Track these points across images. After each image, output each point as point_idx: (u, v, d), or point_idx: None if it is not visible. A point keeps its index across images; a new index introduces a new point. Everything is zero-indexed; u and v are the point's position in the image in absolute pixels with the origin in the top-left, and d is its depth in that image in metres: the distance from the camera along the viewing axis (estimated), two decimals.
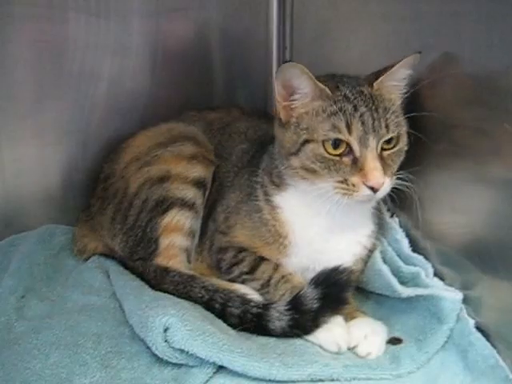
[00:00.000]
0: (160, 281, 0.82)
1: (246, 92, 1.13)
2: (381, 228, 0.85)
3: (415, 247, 0.82)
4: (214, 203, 0.89)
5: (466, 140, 0.74)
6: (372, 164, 0.71)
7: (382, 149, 0.74)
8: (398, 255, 0.82)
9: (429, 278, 0.78)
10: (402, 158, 0.77)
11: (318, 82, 0.73)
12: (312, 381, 0.68)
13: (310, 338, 0.74)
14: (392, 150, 0.74)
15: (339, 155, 0.73)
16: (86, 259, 0.93)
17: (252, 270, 0.82)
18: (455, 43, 0.74)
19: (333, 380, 0.69)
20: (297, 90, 0.74)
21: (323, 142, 0.72)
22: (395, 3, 0.84)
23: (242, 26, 1.11)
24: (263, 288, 0.81)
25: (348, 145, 0.72)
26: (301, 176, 0.75)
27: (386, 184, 0.72)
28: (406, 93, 0.78)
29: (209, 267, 0.87)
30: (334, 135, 0.72)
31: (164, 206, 0.86)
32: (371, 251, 0.83)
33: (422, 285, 0.76)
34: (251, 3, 1.11)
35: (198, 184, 0.87)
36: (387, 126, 0.72)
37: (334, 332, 0.73)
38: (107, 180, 0.93)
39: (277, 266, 0.82)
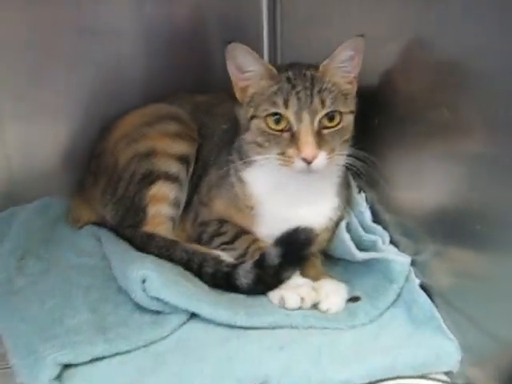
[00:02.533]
0: (146, 245, 0.98)
1: None
2: (348, 202, 1.00)
3: (377, 219, 0.98)
4: (199, 179, 1.06)
5: (423, 123, 0.87)
6: (305, 138, 0.86)
7: (324, 127, 0.88)
8: (362, 226, 0.97)
9: (385, 245, 0.93)
10: (345, 137, 0.91)
11: (265, 62, 0.89)
12: (273, 328, 0.84)
13: (275, 297, 0.88)
14: (333, 129, 0.89)
15: (280, 130, 0.88)
16: (80, 227, 1.10)
17: (232, 240, 0.98)
18: (427, 30, 0.86)
19: (292, 327, 0.84)
20: (247, 69, 0.90)
21: (265, 117, 0.88)
22: None
23: (235, 10, 1.27)
24: (241, 257, 0.96)
25: (288, 122, 0.87)
26: (254, 150, 0.92)
27: (320, 157, 0.86)
28: (350, 74, 0.90)
29: (188, 238, 1.03)
30: (273, 110, 0.88)
31: (150, 178, 1.03)
32: (337, 222, 0.97)
33: (379, 251, 0.92)
34: None
35: (182, 159, 1.04)
36: (323, 103, 0.87)
37: (299, 290, 0.88)
38: (100, 156, 1.11)
39: (255, 239, 0.96)
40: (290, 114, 0.86)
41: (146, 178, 1.03)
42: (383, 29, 0.95)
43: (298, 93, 0.86)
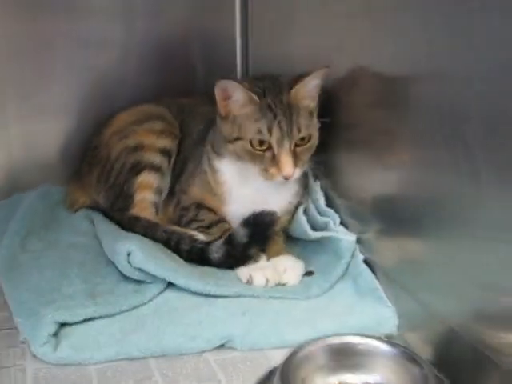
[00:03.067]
0: (132, 226, 1.07)
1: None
2: (306, 189, 1.10)
3: (330, 203, 1.06)
4: (180, 170, 1.15)
5: (367, 122, 0.96)
6: (285, 160, 0.96)
7: (296, 145, 0.98)
8: (317, 210, 1.06)
9: (336, 226, 1.01)
10: (311, 152, 1.01)
11: (248, 91, 0.97)
12: (238, 296, 0.92)
13: (244, 275, 0.97)
14: (304, 147, 0.99)
15: (263, 150, 0.98)
16: (76, 211, 1.19)
17: (209, 227, 1.07)
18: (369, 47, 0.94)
19: (253, 297, 0.93)
20: (231, 96, 0.98)
21: (250, 140, 0.98)
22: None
23: (213, 26, 1.36)
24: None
25: (270, 145, 0.97)
26: (234, 157, 1.01)
27: (295, 173, 0.98)
28: (320, 97, 1.00)
29: (170, 221, 1.12)
30: (258, 137, 0.97)
31: (137, 168, 1.12)
32: (297, 206, 1.08)
33: (331, 231, 0.99)
34: (218, 6, 1.36)
35: (165, 152, 1.14)
36: (299, 129, 0.98)
37: (264, 271, 0.97)
38: (95, 148, 1.20)
39: (228, 228, 1.05)
40: (273, 140, 0.97)
41: (134, 168, 1.13)
42: (333, 43, 1.02)
43: (279, 122, 0.96)
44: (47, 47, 1.24)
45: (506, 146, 0.68)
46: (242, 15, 1.37)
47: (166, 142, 1.15)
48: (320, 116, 1.03)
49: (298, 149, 0.99)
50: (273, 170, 0.98)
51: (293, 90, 0.98)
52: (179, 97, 1.28)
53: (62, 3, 1.24)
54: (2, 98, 1.24)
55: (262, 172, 0.99)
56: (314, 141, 1.01)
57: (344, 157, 1.05)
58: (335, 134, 1.04)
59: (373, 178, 0.97)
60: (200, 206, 1.09)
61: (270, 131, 0.97)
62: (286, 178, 0.97)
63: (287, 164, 0.96)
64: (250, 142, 0.98)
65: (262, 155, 0.98)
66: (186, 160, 1.15)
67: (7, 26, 1.21)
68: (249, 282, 0.96)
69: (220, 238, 1.02)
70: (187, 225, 1.09)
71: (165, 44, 1.34)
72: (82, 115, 1.30)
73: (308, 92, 1.00)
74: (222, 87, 0.98)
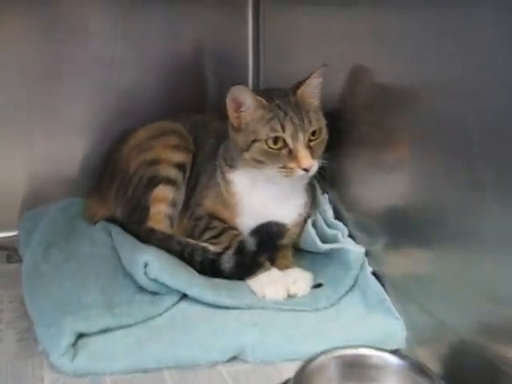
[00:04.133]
0: (148, 238, 1.05)
1: None
2: (314, 202, 1.08)
3: (338, 216, 1.05)
4: (194, 183, 1.14)
5: (374, 136, 0.95)
6: (302, 153, 0.96)
7: (310, 140, 0.98)
8: (325, 222, 1.04)
9: (344, 238, 0.99)
10: (324, 145, 1.00)
11: (257, 97, 0.98)
12: (248, 308, 0.91)
13: (256, 290, 0.95)
14: (316, 141, 0.99)
15: (279, 149, 0.97)
16: (95, 223, 1.17)
17: (218, 235, 1.06)
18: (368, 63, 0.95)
19: (263, 308, 0.91)
20: (243, 104, 0.99)
21: (266, 140, 0.97)
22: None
23: (224, 43, 1.35)
24: (225, 249, 1.01)
25: (284, 140, 0.97)
26: (252, 165, 1.00)
27: (314, 166, 0.97)
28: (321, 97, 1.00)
29: (185, 232, 1.11)
30: (273, 134, 0.97)
31: (154, 182, 1.10)
32: (306, 219, 1.06)
33: (339, 243, 0.98)
34: (231, 25, 1.36)
35: (180, 166, 1.12)
36: (310, 122, 0.97)
37: (277, 287, 0.94)
38: (114, 164, 1.20)
39: (237, 234, 1.04)
40: (287, 135, 0.96)
41: (150, 181, 1.11)
42: (337, 60, 1.02)
43: (291, 118, 0.96)
44: (70, 68, 1.24)
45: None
46: (253, 34, 1.36)
47: (181, 157, 1.13)
48: (329, 129, 1.02)
49: (312, 143, 0.98)
50: (292, 165, 0.96)
51: (298, 92, 0.99)
52: (193, 113, 1.28)
53: (85, 27, 1.24)
54: (28, 117, 1.24)
55: (280, 170, 0.97)
56: (324, 135, 1.01)
57: (352, 170, 1.03)
58: (343, 147, 1.03)
59: (380, 191, 0.95)
60: (212, 216, 1.08)
61: (283, 127, 0.96)
62: (306, 170, 0.96)
63: (305, 156, 0.95)
64: (266, 142, 0.97)
65: (278, 153, 0.97)
66: (199, 173, 1.14)
67: (32, 48, 1.21)
68: (264, 297, 0.94)
69: (229, 246, 0.99)
70: (200, 234, 1.08)
71: (179, 63, 1.33)
72: (102, 132, 1.29)
73: (312, 91, 1.00)
74: (233, 96, 0.98)
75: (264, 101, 0.98)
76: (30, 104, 1.24)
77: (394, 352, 0.77)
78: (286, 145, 0.97)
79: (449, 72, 0.76)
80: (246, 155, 1.00)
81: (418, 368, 0.71)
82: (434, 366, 0.76)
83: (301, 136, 0.96)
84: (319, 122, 0.99)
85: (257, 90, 1.08)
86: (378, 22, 0.92)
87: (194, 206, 1.12)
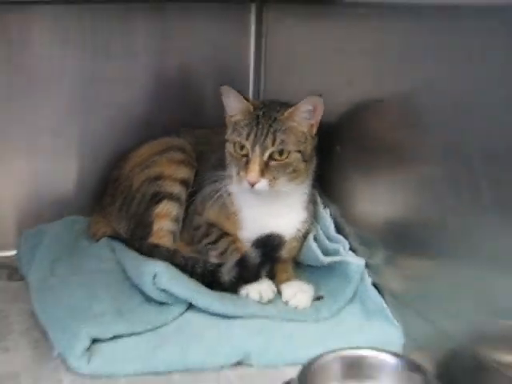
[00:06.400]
0: (152, 253, 1.12)
1: None
2: (315, 216, 1.17)
3: (339, 230, 1.13)
4: (195, 195, 1.22)
5: (375, 151, 1.05)
6: (252, 166, 1.05)
7: (273, 158, 1.06)
8: (327, 236, 1.13)
9: (345, 251, 1.08)
10: (289, 170, 1.07)
11: (244, 100, 1.09)
12: (252, 317, 1.00)
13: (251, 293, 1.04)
14: (279, 162, 1.06)
15: (241, 156, 1.07)
16: (98, 240, 1.24)
17: (216, 241, 1.15)
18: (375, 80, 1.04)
19: (266, 317, 1.00)
20: (233, 104, 1.10)
21: (234, 143, 1.09)
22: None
23: (227, 63, 1.46)
24: (222, 255, 1.12)
25: (247, 150, 1.06)
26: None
27: (260, 183, 1.04)
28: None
29: (186, 244, 1.20)
30: (238, 139, 1.08)
31: (157, 198, 1.19)
32: (305, 234, 1.15)
33: (340, 256, 1.07)
34: (233, 44, 1.47)
35: (183, 182, 1.22)
36: (273, 142, 1.06)
37: (260, 287, 1.05)
38: (117, 181, 1.28)
39: (234, 240, 1.13)
40: (248, 144, 1.06)
41: (154, 197, 1.19)
42: (344, 75, 1.12)
43: (258, 130, 1.06)
44: (71, 86, 1.34)
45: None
46: (256, 48, 1.46)
47: (185, 173, 1.22)
48: (329, 143, 1.13)
49: (273, 162, 1.06)
50: (242, 174, 1.06)
51: (286, 112, 1.08)
52: (195, 129, 1.37)
53: (88, 45, 1.34)
54: (33, 137, 1.32)
55: (235, 176, 1.08)
56: (292, 161, 1.07)
57: (352, 185, 1.13)
58: (344, 163, 1.13)
59: (380, 206, 1.04)
60: (212, 225, 1.17)
61: (247, 136, 1.07)
62: (252, 185, 1.04)
63: (254, 170, 1.04)
64: (233, 145, 1.09)
65: (240, 159, 1.07)
66: (200, 185, 1.21)
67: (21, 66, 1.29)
68: (247, 296, 1.04)
69: (225, 251, 1.11)
70: (198, 242, 1.17)
71: (180, 80, 1.43)
72: (103, 150, 1.37)
73: (299, 116, 1.08)
74: (224, 96, 1.10)
75: (251, 106, 1.09)
76: (34, 125, 1.32)
77: (391, 352, 0.86)
78: (248, 154, 1.07)
79: (451, 87, 0.83)
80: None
81: (413, 366, 0.82)
82: (431, 372, 0.83)
83: (257, 149, 1.05)
84: (287, 147, 1.06)
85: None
86: (380, 37, 0.99)
87: (194, 215, 1.20)
